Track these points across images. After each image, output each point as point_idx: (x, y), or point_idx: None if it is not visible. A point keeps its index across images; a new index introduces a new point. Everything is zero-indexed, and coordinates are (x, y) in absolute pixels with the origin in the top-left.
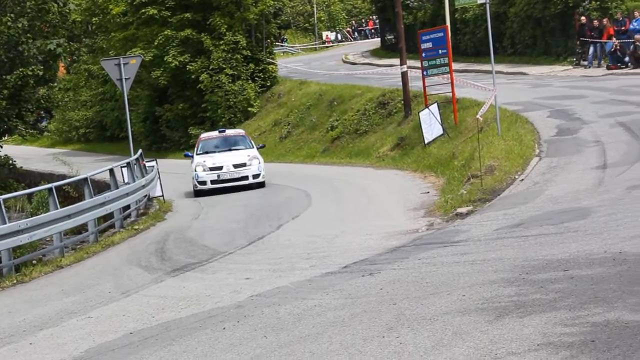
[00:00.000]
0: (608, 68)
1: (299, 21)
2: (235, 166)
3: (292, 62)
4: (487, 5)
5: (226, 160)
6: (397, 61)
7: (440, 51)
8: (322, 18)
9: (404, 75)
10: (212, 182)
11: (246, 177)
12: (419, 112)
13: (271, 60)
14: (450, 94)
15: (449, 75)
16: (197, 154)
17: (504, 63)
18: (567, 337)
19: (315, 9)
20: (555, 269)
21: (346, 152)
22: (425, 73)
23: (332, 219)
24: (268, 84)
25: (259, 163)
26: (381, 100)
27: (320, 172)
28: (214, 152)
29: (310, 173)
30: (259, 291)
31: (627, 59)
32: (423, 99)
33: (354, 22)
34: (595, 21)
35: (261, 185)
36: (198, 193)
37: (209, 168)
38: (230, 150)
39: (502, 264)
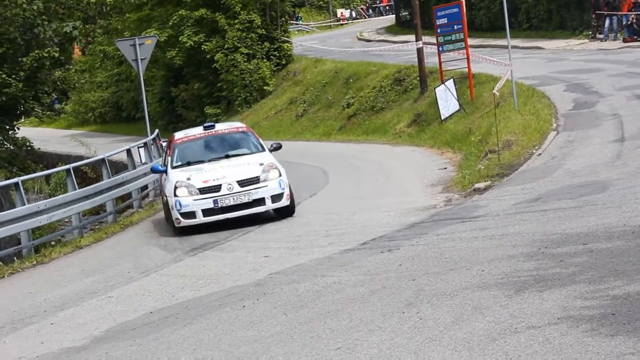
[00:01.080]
0: (624, 41)
1: None
2: (242, 184)
3: (307, 40)
4: None
5: (225, 174)
6: (412, 37)
7: (455, 27)
8: None
9: (419, 51)
10: (206, 212)
11: (261, 201)
12: (435, 88)
13: (286, 39)
14: (466, 70)
15: (464, 50)
16: (172, 167)
17: (519, 38)
18: (587, 311)
19: None
20: (574, 243)
21: (362, 129)
22: (440, 49)
23: (350, 196)
24: (283, 63)
25: (280, 176)
26: (397, 76)
27: (337, 149)
28: (201, 161)
29: (327, 151)
30: (278, 269)
31: None
32: (439, 75)
33: None
34: None
35: (287, 211)
36: (182, 231)
37: (198, 190)
38: (227, 157)
39: (521, 239)
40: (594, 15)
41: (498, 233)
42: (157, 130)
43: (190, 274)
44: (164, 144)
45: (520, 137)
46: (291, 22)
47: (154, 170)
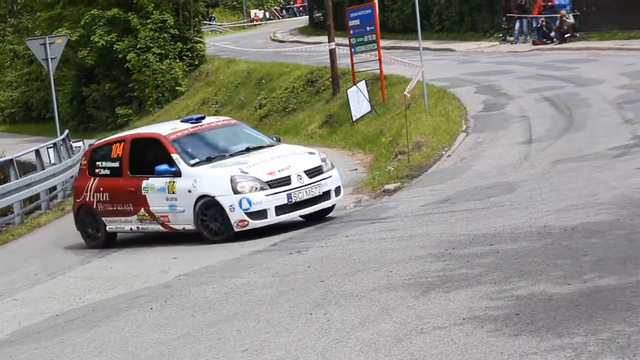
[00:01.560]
0: (534, 43)
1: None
2: (310, 174)
3: (220, 40)
4: None
5: (289, 164)
6: (325, 39)
7: (368, 28)
8: None
9: (332, 52)
10: (279, 210)
11: (328, 195)
12: (347, 90)
13: (199, 39)
14: (378, 71)
15: (376, 52)
16: (190, 165)
17: (431, 39)
18: (492, 311)
19: None
20: (481, 244)
21: (274, 130)
22: (353, 50)
23: None
24: (196, 63)
25: (334, 168)
26: (309, 77)
27: None
28: (223, 156)
29: None
30: (187, 271)
31: (552, 34)
32: (351, 76)
33: (282, 0)
34: None
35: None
36: (233, 238)
37: (267, 184)
38: (248, 150)
39: (428, 240)
40: (504, 18)
41: (406, 234)
42: (67, 131)
43: (98, 276)
44: (74, 145)
45: (430, 138)
46: (204, 22)
47: (159, 172)
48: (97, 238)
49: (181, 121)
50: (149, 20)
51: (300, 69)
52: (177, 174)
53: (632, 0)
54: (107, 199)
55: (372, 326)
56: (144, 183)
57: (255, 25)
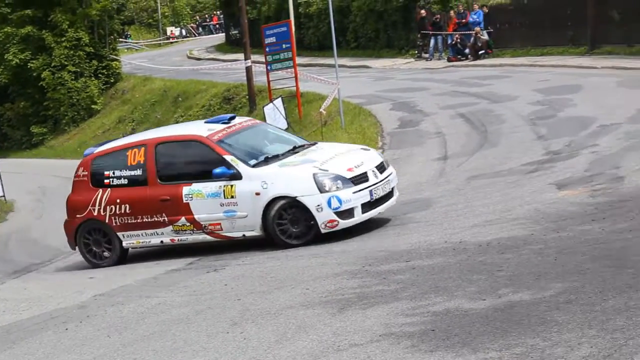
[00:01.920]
0: (449, 60)
1: (142, 17)
2: (379, 169)
3: (137, 58)
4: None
5: (362, 160)
6: (241, 56)
7: (284, 45)
8: (166, 13)
9: (248, 70)
10: (364, 207)
11: (392, 192)
12: (263, 107)
13: (115, 57)
14: (295, 88)
15: (293, 69)
16: (251, 166)
17: (347, 57)
18: (408, 327)
19: (159, 4)
20: (397, 260)
21: None
22: (269, 67)
23: None
24: (112, 81)
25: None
26: (226, 95)
27: None
28: (277, 156)
29: None
30: (103, 290)
31: (467, 51)
32: (267, 93)
33: (198, 17)
34: (437, 15)
35: None
36: (313, 241)
37: (349, 180)
38: (294, 149)
39: (345, 257)
40: (419, 35)
41: (323, 251)
42: None
43: (12, 297)
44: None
45: None
46: (120, 40)
47: (217, 176)
48: (106, 256)
49: (206, 122)
50: (63, 38)
51: (217, 86)
52: (236, 176)
53: (544, 17)
54: (128, 211)
55: (289, 344)
56: (186, 190)
57: (171, 42)
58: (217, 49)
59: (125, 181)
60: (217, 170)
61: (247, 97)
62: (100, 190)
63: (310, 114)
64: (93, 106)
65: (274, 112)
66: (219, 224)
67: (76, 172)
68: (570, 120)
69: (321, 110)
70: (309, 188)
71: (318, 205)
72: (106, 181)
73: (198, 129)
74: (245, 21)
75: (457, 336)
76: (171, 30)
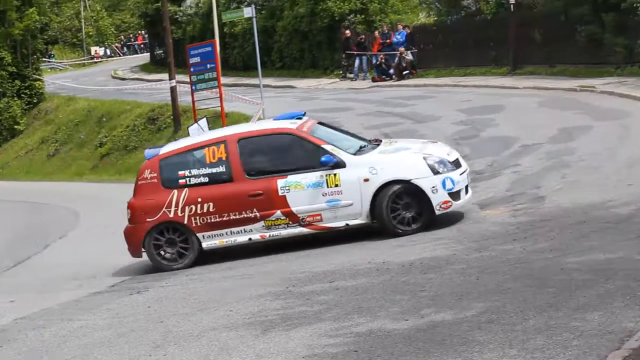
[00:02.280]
0: (373, 80)
1: (66, 36)
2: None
3: (60, 78)
4: (254, 20)
5: (443, 149)
6: (166, 76)
7: (208, 65)
8: (91, 33)
9: (173, 90)
10: (465, 191)
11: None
12: (188, 127)
13: (38, 77)
14: (220, 108)
15: (217, 89)
16: (352, 154)
17: (272, 77)
18: (331, 348)
19: (83, 24)
20: (321, 281)
21: (116, 168)
22: (194, 88)
23: (101, 238)
24: (35, 101)
25: None
26: (150, 115)
27: (89, 190)
28: (362, 148)
29: (78, 191)
30: (24, 314)
31: (391, 71)
32: (192, 113)
33: (123, 37)
34: (363, 36)
35: None
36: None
37: (451, 163)
38: (371, 143)
39: (269, 278)
40: (344, 55)
41: (248, 272)
42: None
43: None
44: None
45: None
46: (44, 59)
47: (324, 163)
48: (179, 259)
49: (276, 119)
50: None
51: (142, 106)
52: (340, 164)
53: (467, 38)
54: (211, 210)
55: None
56: (282, 182)
57: (95, 62)
58: (141, 69)
59: (205, 179)
60: (324, 158)
61: (172, 117)
62: (176, 190)
63: None
64: (16, 126)
65: (199, 132)
66: (319, 214)
67: (141, 175)
68: (492, 140)
69: None
70: (422, 171)
71: (433, 187)
72: (181, 181)
73: (280, 123)
74: (169, 41)
75: (380, 357)
76: (95, 50)
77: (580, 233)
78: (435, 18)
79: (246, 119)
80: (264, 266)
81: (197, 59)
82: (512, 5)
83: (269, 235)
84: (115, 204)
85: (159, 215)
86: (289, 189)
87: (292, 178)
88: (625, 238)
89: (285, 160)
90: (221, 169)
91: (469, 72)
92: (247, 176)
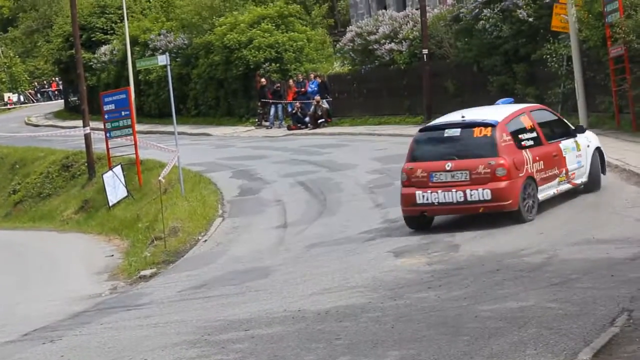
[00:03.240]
0: (289, 128)
1: None
2: None
3: None
4: (169, 67)
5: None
6: (80, 123)
7: (123, 113)
8: (4, 79)
9: (87, 137)
10: None
11: None
12: (102, 174)
13: None
14: (134, 156)
15: (132, 136)
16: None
17: (188, 124)
18: None
19: None
20: (236, 329)
21: (29, 216)
22: (108, 135)
23: (13, 286)
24: None
25: None
26: (65, 162)
27: (1, 237)
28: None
29: None
30: None
31: (307, 119)
32: (107, 161)
33: (36, 83)
34: (278, 84)
35: None
36: None
37: None
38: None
39: (184, 326)
40: (260, 103)
41: (162, 321)
42: None
43: None
44: None
45: (187, 223)
46: None
47: (576, 133)
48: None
49: (500, 103)
50: None
51: (56, 153)
52: (578, 133)
53: (381, 87)
54: (542, 167)
55: None
56: (563, 145)
57: (9, 109)
58: (56, 116)
59: (532, 142)
60: (574, 128)
61: (87, 164)
62: (524, 151)
63: (151, 182)
64: None
65: (114, 179)
66: (574, 173)
67: (500, 137)
68: None
69: (160, 178)
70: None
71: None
72: (522, 143)
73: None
74: (84, 88)
75: None
76: (8, 97)
77: (494, 281)
78: (350, 67)
79: (162, 166)
80: (179, 314)
81: (111, 106)
82: (425, 56)
83: (558, 191)
84: (29, 251)
85: (524, 172)
86: (566, 152)
87: (564, 143)
88: (538, 286)
89: (552, 129)
90: (534, 134)
91: (383, 120)
92: (546, 140)
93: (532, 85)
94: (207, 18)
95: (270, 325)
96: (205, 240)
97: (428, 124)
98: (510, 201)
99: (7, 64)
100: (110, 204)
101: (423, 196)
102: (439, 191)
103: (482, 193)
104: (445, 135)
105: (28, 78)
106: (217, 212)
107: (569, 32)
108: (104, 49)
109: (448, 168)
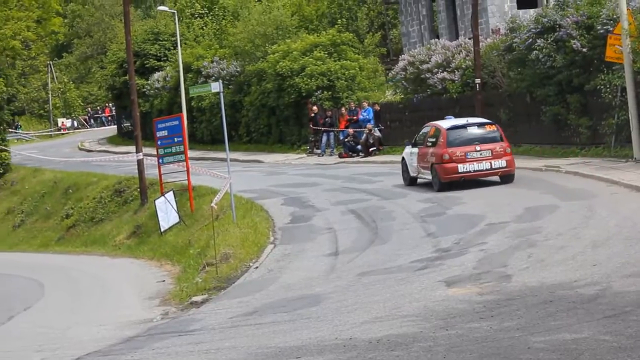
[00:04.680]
0: (340, 156)
1: (33, 107)
2: None
3: (27, 149)
4: (221, 95)
5: None
6: (133, 148)
7: (175, 139)
8: (58, 105)
9: (139, 162)
10: None
11: None
12: (154, 200)
13: (4, 147)
14: (187, 182)
15: (184, 162)
16: None
17: (240, 151)
18: None
19: (50, 95)
20: (287, 357)
21: (82, 240)
22: (161, 161)
23: (66, 310)
24: (1, 172)
25: None
26: (117, 188)
27: (54, 261)
28: None
29: (44, 263)
30: None
31: (359, 147)
32: (159, 186)
33: (90, 109)
34: (330, 112)
35: None
36: None
37: None
38: None
39: (236, 353)
40: (311, 131)
41: (214, 347)
42: None
43: None
44: None
45: (238, 250)
46: (10, 130)
47: None
48: None
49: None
50: None
51: (108, 178)
52: None
53: (433, 116)
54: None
55: None
56: None
57: (62, 134)
58: (108, 141)
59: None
60: None
61: (139, 190)
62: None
63: (202, 208)
64: None
65: (166, 205)
66: None
67: (500, 131)
68: (458, 218)
69: (212, 204)
70: None
71: None
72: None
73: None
74: (137, 114)
75: None
76: (62, 122)
77: (546, 312)
78: (402, 96)
79: (213, 192)
80: (230, 341)
81: (164, 132)
82: (477, 85)
83: None
84: (81, 275)
85: None
86: None
87: None
88: (592, 318)
89: None
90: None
91: None
92: None
93: (585, 116)
94: (259, 46)
95: (321, 353)
96: (257, 267)
97: (454, 124)
98: (513, 167)
99: (62, 90)
100: (162, 229)
101: (464, 167)
102: (474, 163)
103: (500, 163)
104: (469, 130)
105: (82, 104)
106: (269, 239)
107: (623, 63)
108: (157, 75)
109: (478, 149)
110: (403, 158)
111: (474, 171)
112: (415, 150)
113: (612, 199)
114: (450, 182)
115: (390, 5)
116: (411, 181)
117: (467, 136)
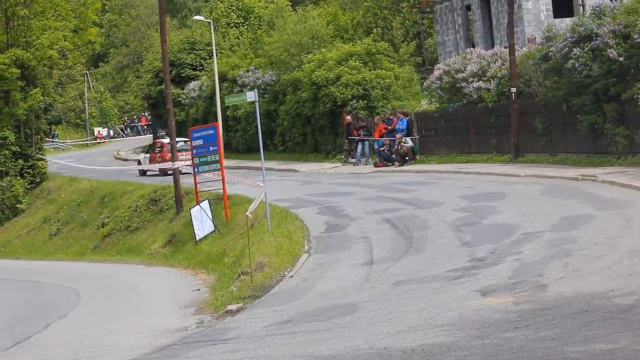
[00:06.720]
0: (375, 165)
1: (70, 117)
2: None
3: (63, 157)
4: (257, 104)
5: None
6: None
7: (211, 148)
8: (94, 114)
9: (175, 171)
10: None
11: None
12: (190, 209)
13: (41, 156)
14: (222, 191)
15: (220, 171)
16: None
17: (275, 160)
18: None
19: (86, 104)
20: None
21: (117, 249)
22: (196, 170)
23: (102, 318)
24: (37, 180)
25: None
26: (152, 196)
27: (90, 269)
28: None
29: (80, 271)
30: None
31: (393, 156)
32: (194, 195)
33: (126, 118)
34: (362, 121)
35: None
36: None
37: None
38: None
39: None
40: (346, 140)
41: (248, 356)
42: None
43: None
44: None
45: (273, 259)
46: (47, 139)
47: None
48: None
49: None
50: None
51: (144, 187)
52: None
53: (468, 125)
54: None
55: None
56: None
57: (99, 143)
58: (144, 150)
59: None
60: None
61: (174, 198)
62: None
63: (237, 217)
64: (18, 205)
65: (201, 214)
66: None
67: None
68: (494, 227)
69: (247, 213)
70: None
71: None
72: None
73: None
74: (172, 123)
75: None
76: (98, 131)
77: (582, 322)
78: (437, 105)
79: (248, 201)
80: (265, 350)
81: (200, 142)
82: (513, 94)
83: None
84: (116, 283)
85: None
86: None
87: None
88: (628, 328)
89: None
90: None
91: (470, 159)
92: None
93: (622, 125)
94: (295, 55)
95: None
96: (291, 276)
97: None
98: None
99: (98, 99)
100: (197, 238)
101: None
102: None
103: None
104: None
105: (118, 113)
106: (304, 248)
107: None
108: (192, 84)
109: None
110: None
111: None
112: None
113: None
114: None
115: (426, 15)
116: None
117: None
